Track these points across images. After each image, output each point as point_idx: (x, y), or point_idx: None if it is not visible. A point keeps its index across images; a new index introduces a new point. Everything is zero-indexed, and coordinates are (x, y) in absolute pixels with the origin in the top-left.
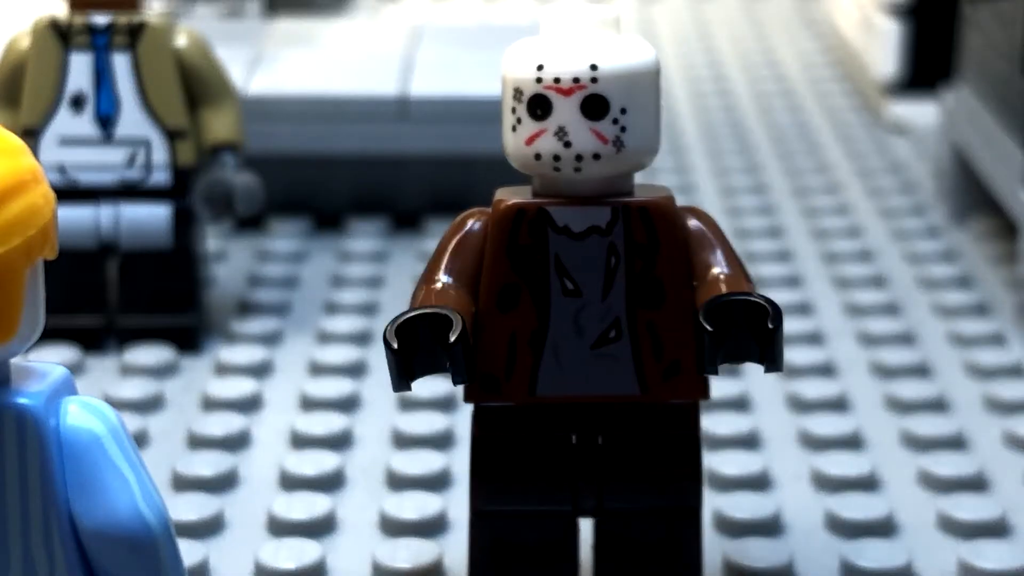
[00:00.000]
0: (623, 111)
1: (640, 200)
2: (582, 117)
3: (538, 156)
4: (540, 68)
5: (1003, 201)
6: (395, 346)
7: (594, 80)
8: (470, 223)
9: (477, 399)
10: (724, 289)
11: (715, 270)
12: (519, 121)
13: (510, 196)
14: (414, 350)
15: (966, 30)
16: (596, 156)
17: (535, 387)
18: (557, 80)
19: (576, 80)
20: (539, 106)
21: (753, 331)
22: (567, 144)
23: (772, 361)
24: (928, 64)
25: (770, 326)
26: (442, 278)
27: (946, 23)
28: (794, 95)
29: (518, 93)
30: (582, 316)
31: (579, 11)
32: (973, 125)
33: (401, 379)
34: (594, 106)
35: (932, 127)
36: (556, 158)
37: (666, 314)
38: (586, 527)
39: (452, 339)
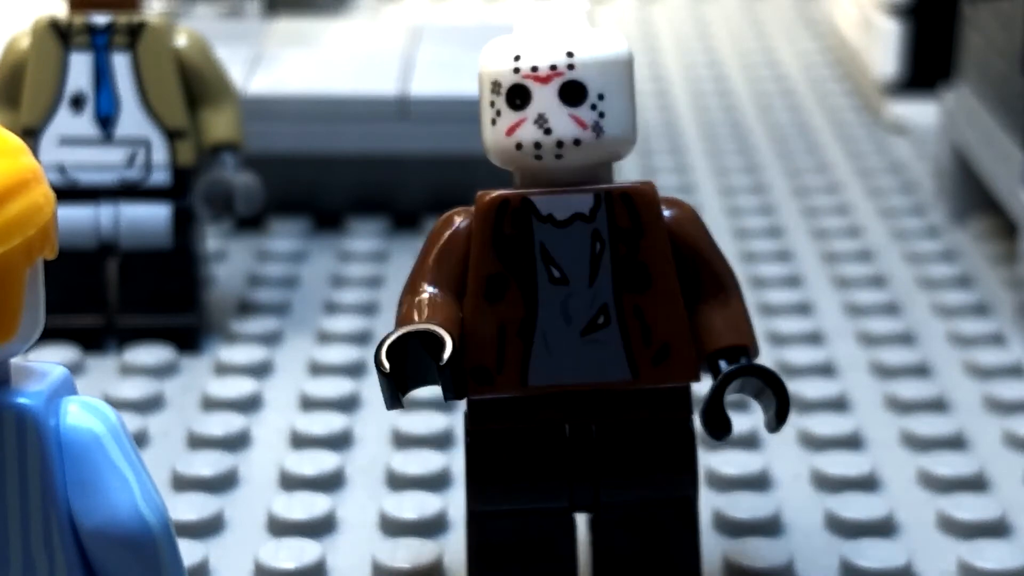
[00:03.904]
0: (601, 97)
1: (622, 186)
2: (561, 104)
3: (519, 146)
4: (517, 59)
5: (1003, 201)
6: (387, 369)
7: (571, 67)
8: (456, 223)
9: (470, 392)
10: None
11: (711, 319)
12: (498, 113)
13: (493, 191)
14: (404, 367)
15: (966, 30)
16: (576, 142)
17: (527, 377)
18: (534, 68)
19: (553, 67)
20: (518, 95)
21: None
22: (547, 131)
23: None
24: (928, 64)
25: (775, 429)
26: (427, 288)
27: (946, 23)
28: (794, 95)
29: (496, 86)
30: (570, 304)
31: (552, 7)
32: (973, 125)
33: (393, 399)
34: (572, 92)
35: (932, 127)
36: (537, 146)
37: (652, 298)
38: (583, 525)
39: (442, 362)
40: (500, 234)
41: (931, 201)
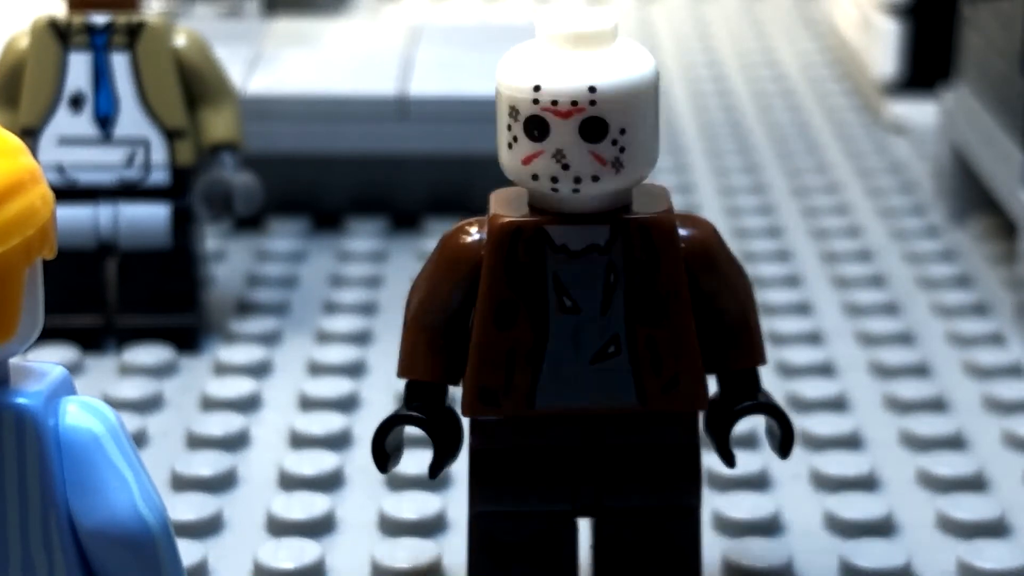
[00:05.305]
0: (622, 131)
1: (639, 218)
2: (580, 140)
3: (535, 177)
4: (537, 89)
5: (1003, 201)
6: (383, 468)
7: (592, 103)
8: (468, 234)
9: (475, 413)
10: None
11: (729, 354)
12: (515, 139)
13: (506, 209)
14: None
15: (966, 30)
16: (595, 178)
17: (533, 401)
18: (555, 103)
19: (574, 103)
20: (536, 127)
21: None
22: (565, 167)
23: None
24: (927, 64)
25: (784, 457)
26: (431, 324)
27: (946, 23)
28: (794, 95)
29: (514, 111)
30: (581, 332)
31: (576, 17)
32: (972, 125)
33: (385, 471)
34: (593, 129)
35: (931, 127)
36: (554, 179)
37: (666, 329)
38: (585, 527)
39: (429, 472)
40: (512, 261)
41: (931, 201)
